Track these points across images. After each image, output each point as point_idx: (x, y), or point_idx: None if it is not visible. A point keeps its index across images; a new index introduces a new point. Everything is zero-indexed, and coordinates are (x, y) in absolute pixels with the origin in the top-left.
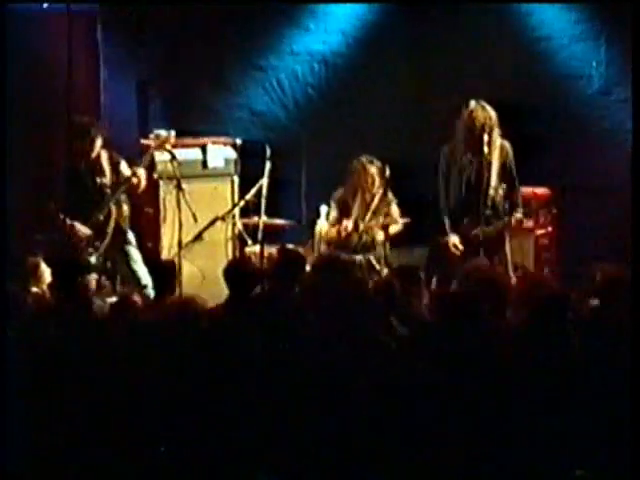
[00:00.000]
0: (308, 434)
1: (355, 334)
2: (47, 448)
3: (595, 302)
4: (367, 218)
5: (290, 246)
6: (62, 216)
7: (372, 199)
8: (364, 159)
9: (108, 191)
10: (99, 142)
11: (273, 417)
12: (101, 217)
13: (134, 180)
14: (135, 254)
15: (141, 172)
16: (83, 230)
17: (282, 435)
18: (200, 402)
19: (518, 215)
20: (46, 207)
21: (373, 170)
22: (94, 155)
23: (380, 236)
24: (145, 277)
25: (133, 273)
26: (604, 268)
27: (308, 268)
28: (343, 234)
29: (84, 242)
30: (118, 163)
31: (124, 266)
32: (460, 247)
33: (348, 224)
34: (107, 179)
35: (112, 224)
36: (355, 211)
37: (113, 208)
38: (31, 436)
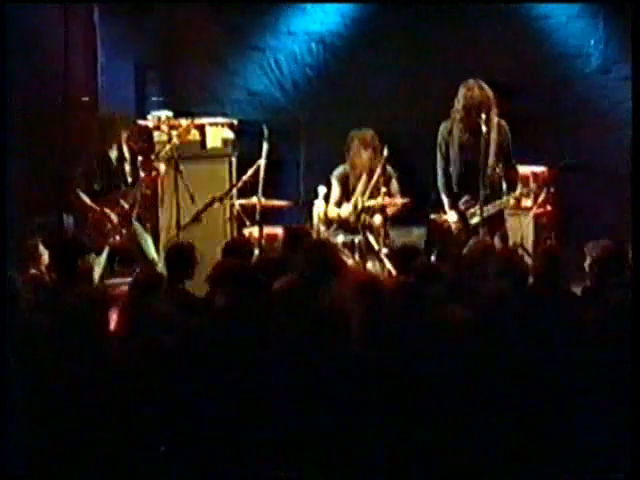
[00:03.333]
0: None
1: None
2: (44, 436)
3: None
4: (366, 197)
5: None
6: (89, 201)
7: (371, 177)
8: (360, 135)
9: (129, 179)
10: (124, 134)
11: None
12: (126, 206)
13: (154, 173)
14: (143, 232)
15: (162, 166)
16: (113, 216)
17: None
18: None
19: (517, 193)
20: (66, 191)
21: (369, 149)
22: (118, 145)
23: (379, 216)
24: (154, 254)
25: (142, 250)
26: (600, 245)
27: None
28: (343, 216)
29: (111, 228)
30: (143, 153)
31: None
32: (459, 225)
33: (348, 207)
34: (129, 169)
35: (136, 211)
36: (354, 189)
37: (138, 196)
38: (30, 424)
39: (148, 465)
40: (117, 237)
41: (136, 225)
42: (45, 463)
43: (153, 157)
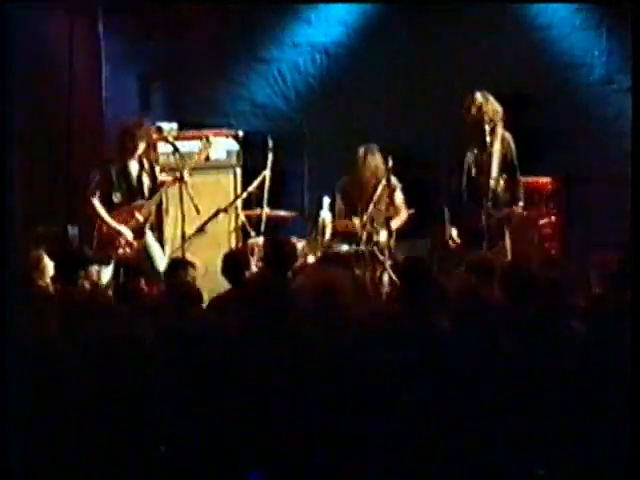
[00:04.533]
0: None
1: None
2: (47, 436)
3: (596, 290)
4: (370, 208)
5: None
6: (104, 212)
7: (375, 189)
8: (365, 149)
9: (146, 192)
10: (142, 145)
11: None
12: (141, 219)
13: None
14: (154, 242)
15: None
16: (126, 234)
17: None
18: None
19: (519, 207)
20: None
21: (375, 160)
22: (137, 156)
23: (384, 227)
24: (159, 266)
25: (150, 259)
26: (603, 257)
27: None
28: (349, 227)
29: (123, 242)
30: (156, 166)
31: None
32: (458, 240)
33: (355, 221)
34: (148, 181)
35: (149, 224)
36: (358, 201)
37: (152, 209)
38: (32, 426)
39: (148, 465)
40: (127, 249)
41: (148, 235)
42: (46, 463)
43: (158, 169)
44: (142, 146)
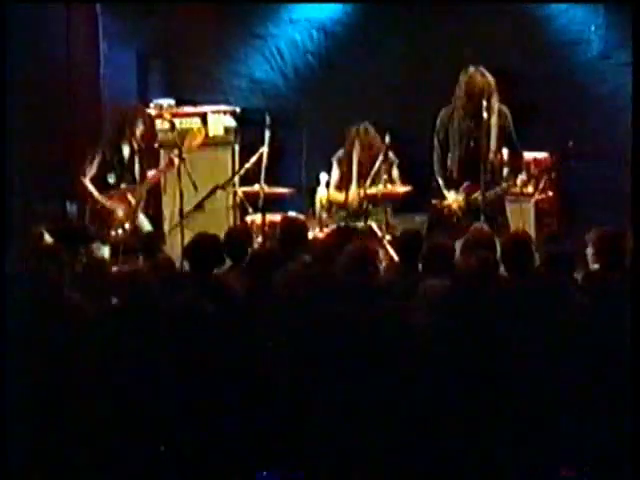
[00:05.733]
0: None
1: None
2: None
3: (594, 266)
4: (368, 183)
5: (292, 214)
6: (97, 193)
7: (372, 165)
8: (362, 126)
9: (138, 175)
10: (140, 127)
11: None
12: (134, 202)
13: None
14: (148, 224)
15: (175, 160)
16: (120, 213)
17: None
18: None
19: (521, 178)
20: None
21: (371, 136)
22: (135, 139)
23: (381, 203)
24: None
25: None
26: (601, 231)
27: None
28: (344, 199)
29: (115, 223)
30: (155, 148)
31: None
32: (461, 205)
33: (351, 191)
34: (141, 164)
35: (140, 207)
36: (356, 176)
37: (144, 192)
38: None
39: (148, 465)
40: (120, 231)
41: (141, 217)
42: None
43: (156, 145)
44: (139, 131)
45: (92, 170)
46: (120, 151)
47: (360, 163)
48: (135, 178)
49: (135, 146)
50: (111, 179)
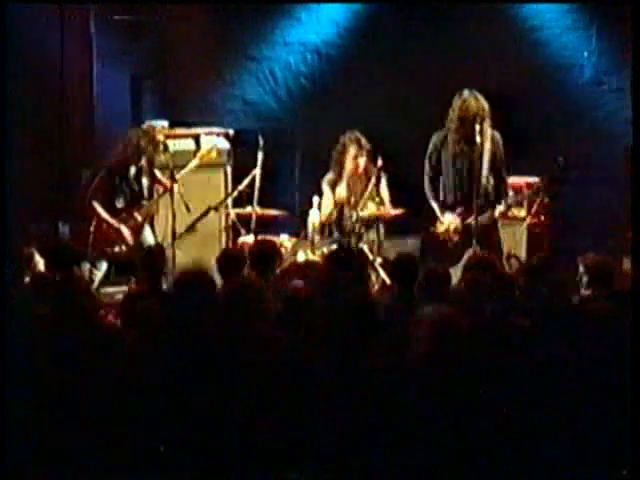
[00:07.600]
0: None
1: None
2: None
3: (586, 292)
4: (360, 207)
5: (285, 236)
6: (107, 215)
7: (363, 186)
8: (354, 139)
9: (146, 193)
10: (147, 153)
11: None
12: (140, 219)
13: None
14: (150, 237)
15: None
16: (127, 234)
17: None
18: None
19: (508, 203)
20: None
21: (362, 144)
22: (139, 159)
23: (373, 225)
24: None
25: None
26: (592, 258)
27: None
28: (334, 219)
29: (120, 242)
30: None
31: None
32: (459, 229)
33: (344, 210)
34: (147, 182)
35: (147, 225)
36: (347, 197)
37: (153, 209)
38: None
39: (148, 465)
40: (123, 247)
41: (147, 231)
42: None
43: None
44: (147, 154)
45: (100, 193)
46: (128, 173)
47: (349, 186)
48: (144, 196)
49: (145, 166)
50: (119, 203)
